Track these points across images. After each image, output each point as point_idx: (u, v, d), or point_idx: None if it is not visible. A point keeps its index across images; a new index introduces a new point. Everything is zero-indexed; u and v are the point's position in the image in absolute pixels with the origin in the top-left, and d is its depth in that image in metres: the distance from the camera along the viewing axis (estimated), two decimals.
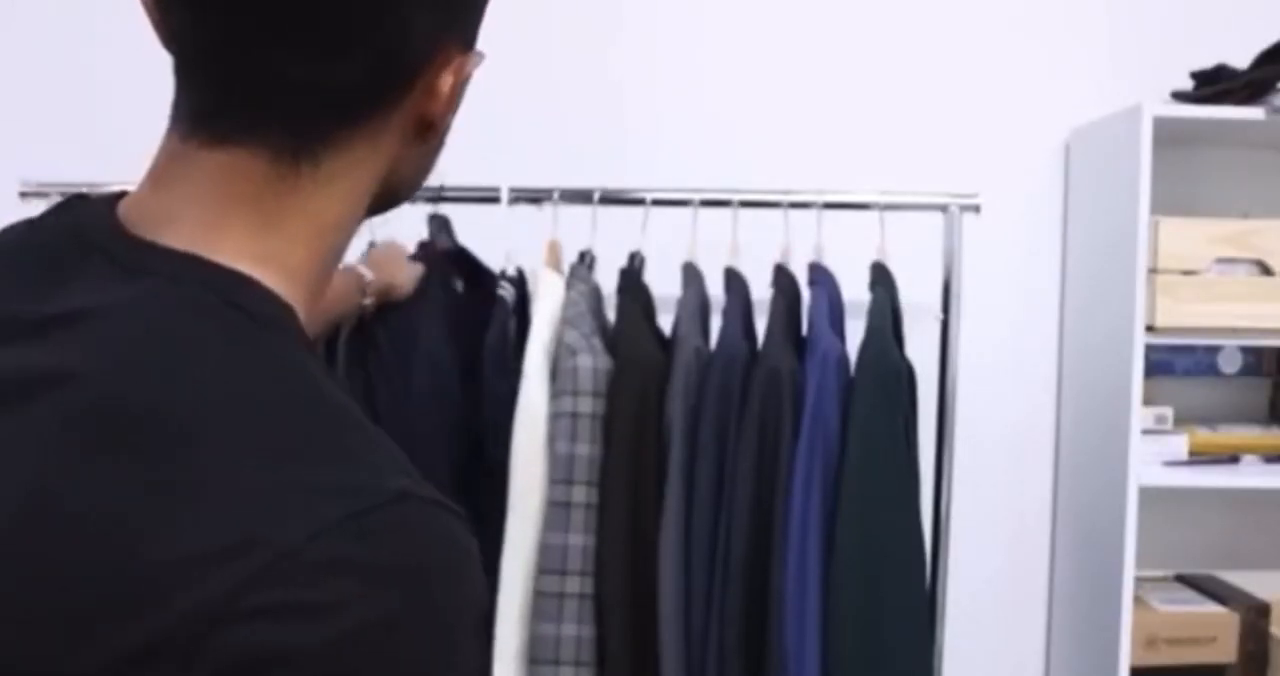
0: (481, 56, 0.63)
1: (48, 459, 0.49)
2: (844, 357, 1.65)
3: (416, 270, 1.67)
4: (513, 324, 1.71)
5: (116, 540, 0.46)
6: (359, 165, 0.60)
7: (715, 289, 1.75)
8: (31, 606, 0.46)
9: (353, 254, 1.32)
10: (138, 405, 0.49)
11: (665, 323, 1.79)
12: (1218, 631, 1.96)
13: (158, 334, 0.52)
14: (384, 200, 0.65)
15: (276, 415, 0.51)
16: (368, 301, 1.58)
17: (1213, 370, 2.15)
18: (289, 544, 0.46)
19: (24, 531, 0.47)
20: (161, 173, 0.59)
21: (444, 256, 1.74)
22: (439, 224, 1.79)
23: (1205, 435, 2.03)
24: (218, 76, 0.56)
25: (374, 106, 0.58)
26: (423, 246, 1.74)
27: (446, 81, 0.60)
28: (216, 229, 0.57)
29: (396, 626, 0.47)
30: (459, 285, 1.76)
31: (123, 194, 0.60)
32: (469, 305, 1.73)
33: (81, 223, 0.58)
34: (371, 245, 1.68)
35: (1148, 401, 1.90)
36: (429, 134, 0.62)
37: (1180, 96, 1.95)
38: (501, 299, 1.71)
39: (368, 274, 1.57)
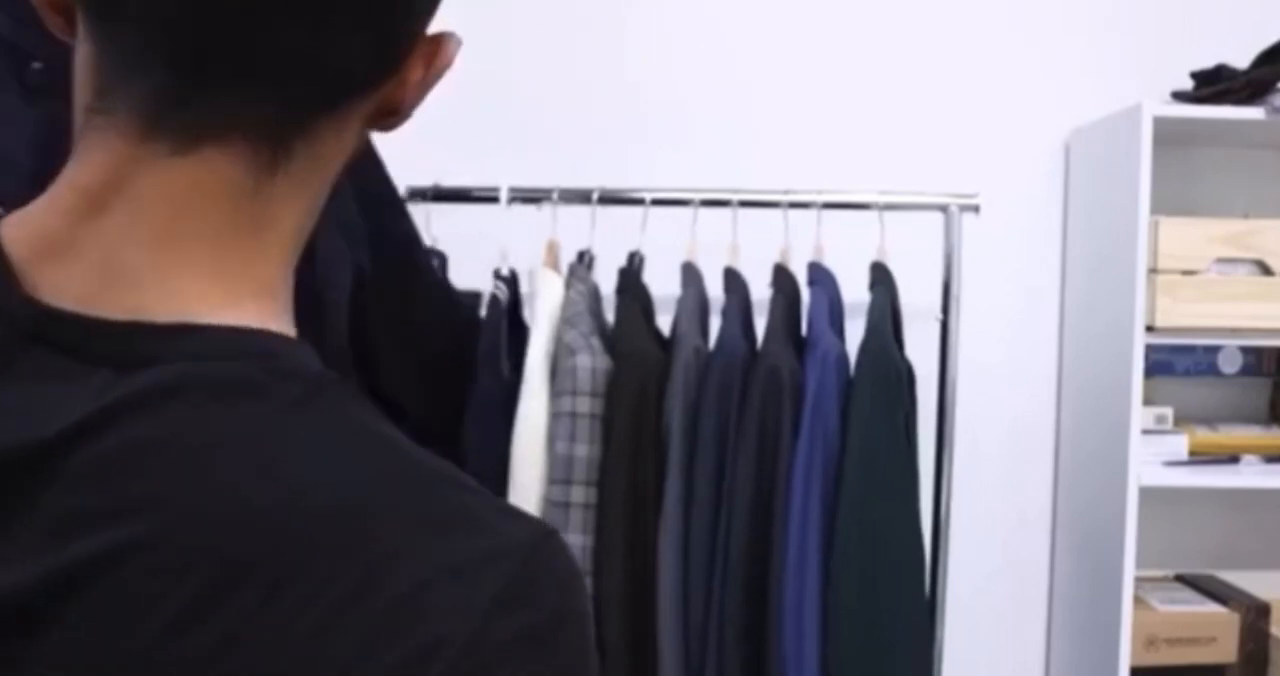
0: (459, 42, 0.57)
1: (177, 626, 0.41)
2: (843, 357, 1.65)
3: None
4: (504, 324, 1.71)
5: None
6: (326, 161, 0.52)
7: (715, 289, 1.75)
8: None
9: None
10: (243, 536, 0.43)
11: (665, 323, 1.79)
12: (1217, 631, 1.95)
13: (207, 440, 0.44)
14: None
15: (387, 500, 0.46)
16: None
17: (1213, 370, 2.15)
18: (468, 635, 0.44)
19: None
20: (102, 191, 0.47)
21: None
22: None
23: (1205, 435, 2.03)
24: (191, 50, 0.46)
25: (356, 91, 0.51)
26: None
27: (419, 68, 0.54)
28: (189, 271, 0.47)
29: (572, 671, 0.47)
30: None
31: None
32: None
33: None
34: None
35: (1148, 401, 1.90)
36: (390, 121, 0.55)
37: (1180, 96, 1.95)
38: (495, 299, 1.71)
39: None
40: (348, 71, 0.50)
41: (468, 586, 0.44)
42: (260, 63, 0.47)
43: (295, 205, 0.51)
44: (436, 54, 0.55)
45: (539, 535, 0.48)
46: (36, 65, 1.16)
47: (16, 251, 0.47)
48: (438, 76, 0.55)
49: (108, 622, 0.41)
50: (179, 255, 0.47)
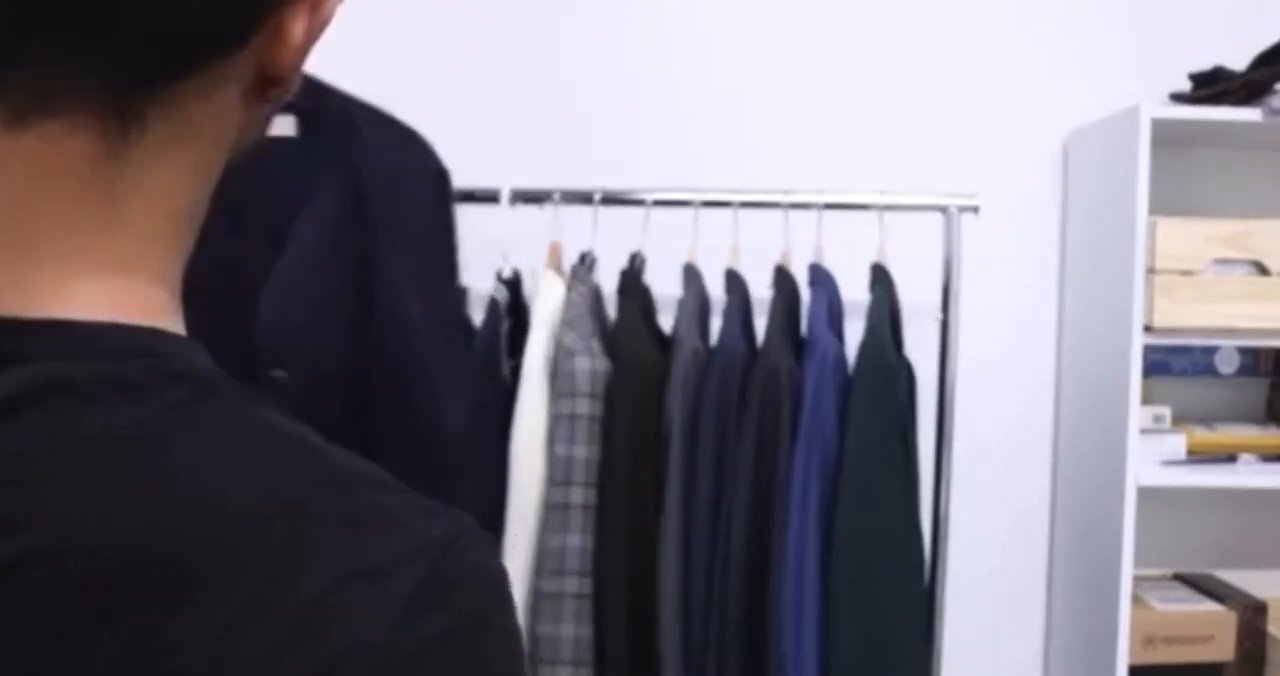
0: None
1: (64, 647, 0.40)
2: (842, 357, 1.66)
3: None
4: (505, 326, 1.72)
5: None
6: (196, 130, 0.47)
7: (715, 289, 1.76)
8: None
9: None
10: (132, 548, 0.41)
11: (665, 323, 1.79)
12: (1215, 630, 1.96)
13: (86, 448, 0.42)
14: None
15: (290, 503, 0.44)
16: None
17: (1210, 370, 2.15)
18: (380, 639, 0.42)
19: None
20: None
21: None
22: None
23: (1203, 435, 2.03)
24: (16, 14, 0.43)
25: (211, 51, 0.46)
26: None
27: (299, 24, 0.48)
28: (38, 257, 0.44)
29: (491, 670, 0.45)
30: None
31: None
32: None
33: None
34: None
35: (1146, 401, 1.91)
36: (274, 90, 0.50)
37: (1178, 98, 1.96)
38: (494, 301, 1.71)
39: None
40: (191, 25, 0.45)
41: (380, 588, 0.43)
42: (82, 27, 0.43)
43: (164, 181, 0.47)
44: (316, 9, 0.49)
45: (454, 532, 0.46)
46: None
47: None
48: (317, 35, 0.50)
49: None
50: (30, 238, 0.44)
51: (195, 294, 1.23)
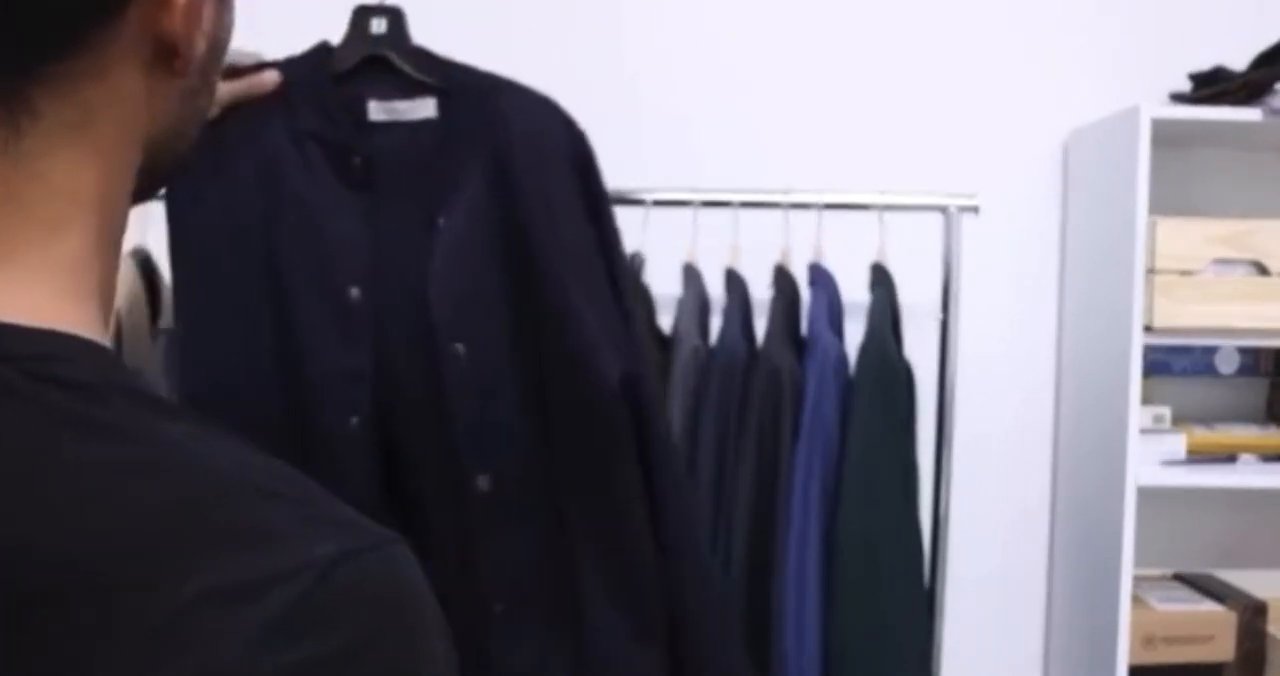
0: None
1: None
2: (843, 357, 1.66)
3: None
4: None
5: None
6: (94, 112, 0.45)
7: (715, 290, 1.76)
8: None
9: None
10: (25, 567, 0.39)
11: (665, 323, 1.79)
12: (1215, 630, 1.96)
13: None
14: (153, 165, 0.51)
15: (156, 517, 0.41)
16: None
17: (1210, 370, 2.15)
18: (234, 667, 0.39)
19: None
20: None
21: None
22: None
23: (1203, 435, 2.04)
24: None
25: (83, 24, 0.44)
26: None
27: None
28: None
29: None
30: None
31: None
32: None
33: None
34: None
35: (1145, 401, 1.91)
36: (178, 63, 0.47)
37: (1178, 98, 1.96)
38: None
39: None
40: (52, 4, 0.43)
41: (241, 609, 0.39)
42: None
43: (65, 169, 0.45)
44: None
45: (345, 550, 0.42)
46: (356, 160, 1.23)
47: None
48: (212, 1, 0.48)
49: None
50: None
51: (374, 285, 1.24)
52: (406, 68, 1.27)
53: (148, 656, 0.38)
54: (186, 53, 0.47)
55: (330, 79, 1.26)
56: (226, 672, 0.39)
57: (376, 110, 1.26)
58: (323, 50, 1.28)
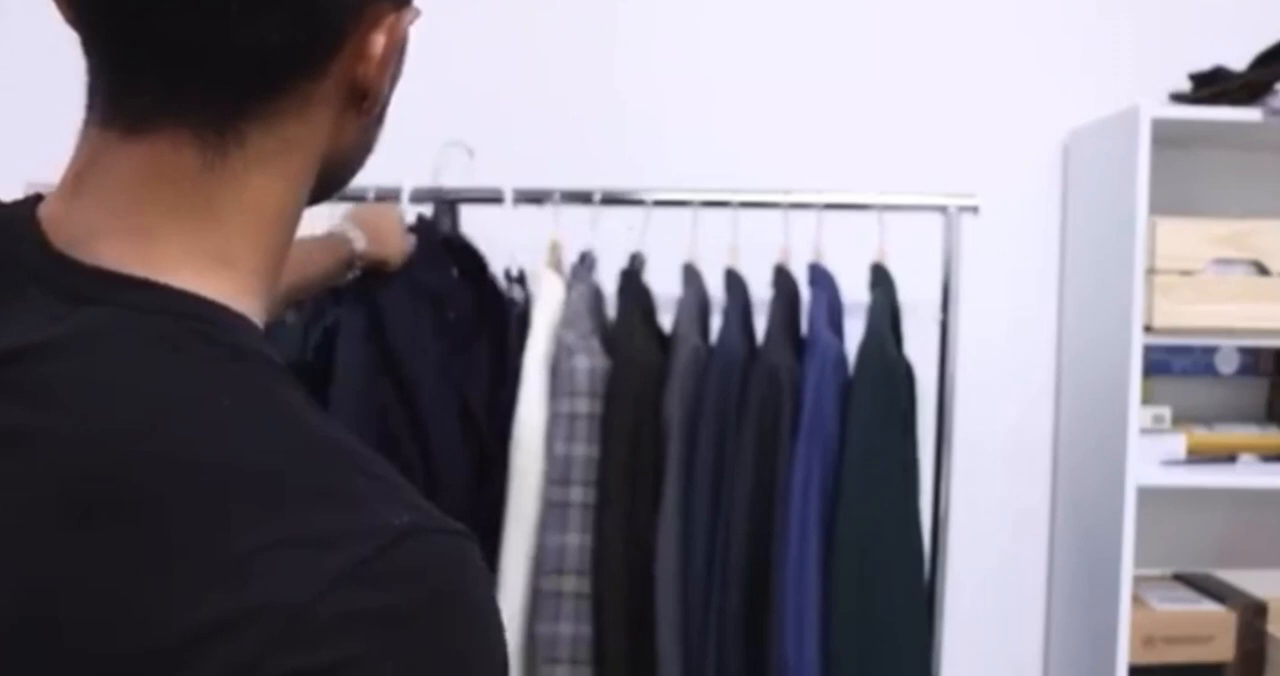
0: (417, 13, 0.58)
1: (21, 538, 0.45)
2: (843, 357, 1.66)
3: (408, 244, 1.53)
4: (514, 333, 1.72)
5: (115, 623, 0.43)
6: (292, 143, 0.54)
7: (716, 289, 1.76)
8: None
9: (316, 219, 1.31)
10: (110, 468, 0.45)
11: (666, 323, 1.79)
12: (1215, 630, 1.96)
13: (116, 379, 0.48)
14: (325, 183, 0.59)
15: (261, 464, 0.47)
16: (353, 275, 1.43)
17: (1210, 370, 2.15)
18: (297, 605, 0.43)
19: (22, 620, 0.44)
20: (82, 172, 0.53)
21: (445, 241, 1.69)
22: (445, 207, 1.74)
23: (1203, 435, 2.04)
24: (125, 47, 0.51)
25: (298, 73, 0.53)
26: (422, 222, 1.67)
27: (378, 42, 0.54)
28: (151, 238, 0.52)
29: (413, 671, 0.45)
30: (454, 273, 1.69)
31: (39, 197, 0.55)
32: (458, 298, 1.66)
33: (7, 244, 0.53)
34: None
35: (1145, 401, 1.91)
36: (366, 103, 0.56)
37: (1178, 98, 1.96)
38: (511, 301, 1.71)
39: (359, 242, 1.40)
40: (267, 56, 0.51)
41: (315, 558, 0.44)
42: (174, 54, 0.50)
43: (261, 185, 0.54)
44: (393, 28, 0.55)
45: (419, 525, 0.47)
46: (451, 315, 1.29)
47: (43, 219, 0.54)
48: (398, 50, 0.56)
49: None
50: (133, 222, 0.52)
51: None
52: None
53: (220, 582, 0.43)
54: (375, 96, 0.56)
55: None
56: (290, 610, 0.43)
57: None
58: None
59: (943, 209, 1.81)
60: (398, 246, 1.50)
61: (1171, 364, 2.13)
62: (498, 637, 0.49)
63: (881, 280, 1.74)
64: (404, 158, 1.85)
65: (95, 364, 0.48)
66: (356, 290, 1.51)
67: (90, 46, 0.53)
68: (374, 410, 1.51)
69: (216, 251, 0.53)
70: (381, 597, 0.45)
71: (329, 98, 0.55)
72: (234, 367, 0.50)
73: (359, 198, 1.70)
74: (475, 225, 1.80)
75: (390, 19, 0.55)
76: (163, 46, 0.50)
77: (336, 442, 0.50)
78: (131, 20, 0.50)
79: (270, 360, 0.52)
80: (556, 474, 1.63)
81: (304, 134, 0.55)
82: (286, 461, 0.47)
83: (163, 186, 0.52)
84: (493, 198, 1.76)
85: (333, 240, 1.39)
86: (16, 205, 0.55)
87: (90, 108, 0.54)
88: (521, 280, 1.75)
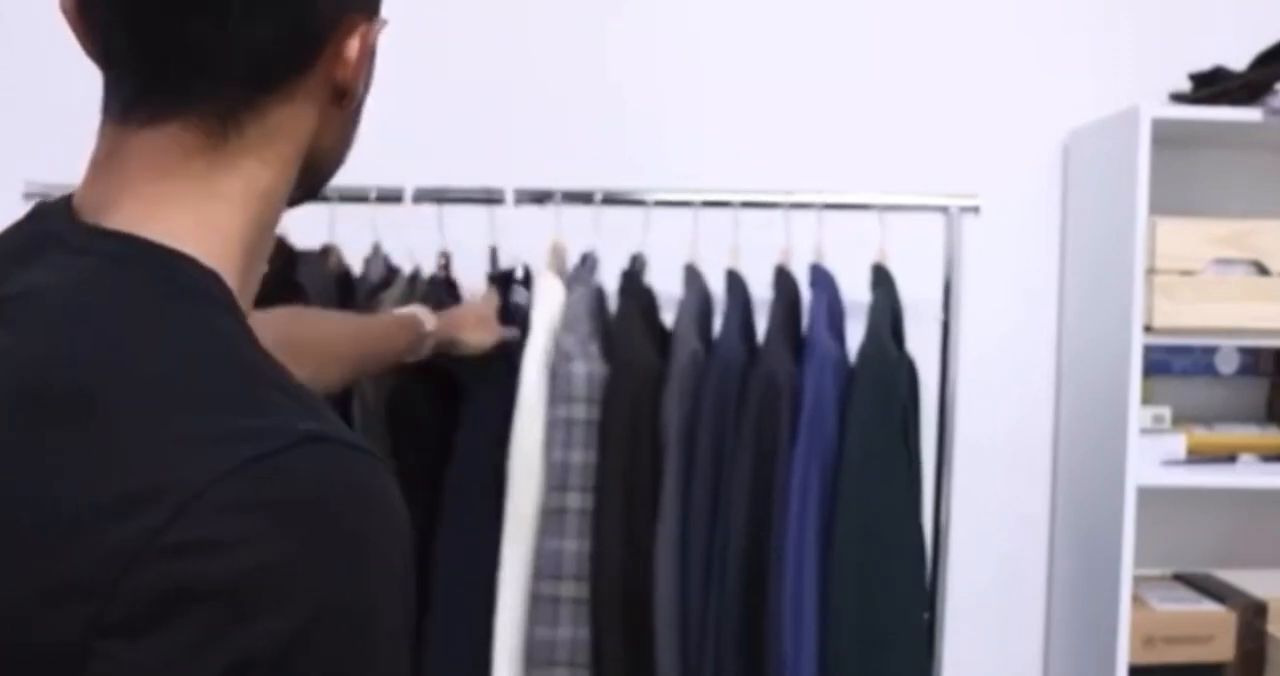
0: (384, 23, 0.68)
1: None
2: (842, 360, 1.66)
3: (497, 334, 1.62)
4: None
5: (39, 495, 0.51)
6: (281, 131, 0.64)
7: (717, 289, 1.76)
8: None
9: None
10: (62, 379, 0.54)
11: (667, 323, 1.79)
12: (1215, 630, 1.96)
13: (82, 310, 0.57)
14: (312, 172, 0.69)
15: (190, 375, 0.55)
16: (425, 352, 1.50)
17: (1210, 370, 2.15)
18: (194, 487, 0.50)
19: None
20: (103, 160, 0.63)
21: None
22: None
23: (1203, 435, 2.04)
24: (139, 56, 0.61)
25: (288, 71, 0.63)
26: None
27: (353, 47, 0.65)
28: (154, 204, 0.61)
29: (303, 558, 0.50)
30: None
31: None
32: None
33: (46, 216, 0.64)
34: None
35: (1145, 401, 1.91)
36: (344, 101, 0.66)
37: (1178, 98, 1.96)
38: (517, 306, 1.72)
39: (428, 323, 1.49)
40: (262, 57, 0.61)
41: (223, 449, 0.51)
42: (183, 61, 0.60)
43: (255, 165, 0.64)
44: (364, 36, 0.65)
45: (328, 435, 0.54)
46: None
47: (73, 198, 0.64)
48: (369, 55, 0.67)
49: None
50: (142, 193, 0.61)
51: None
52: None
53: (140, 465, 0.51)
54: (352, 93, 0.67)
55: None
56: (191, 488, 0.49)
57: None
58: None
59: (944, 209, 1.81)
60: (475, 331, 1.59)
61: (1171, 364, 2.13)
62: (391, 543, 0.54)
63: (883, 280, 1.74)
64: (405, 158, 1.87)
65: (68, 298, 0.57)
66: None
67: (107, 57, 0.62)
68: None
69: (208, 218, 0.62)
70: (276, 488, 0.51)
71: (313, 94, 0.65)
72: (183, 302, 0.58)
73: (360, 197, 1.70)
74: (475, 225, 1.80)
75: (363, 28, 0.65)
76: (176, 51, 0.60)
77: (261, 366, 0.58)
78: (149, 32, 0.60)
79: (219, 300, 0.61)
80: (554, 480, 1.63)
81: (291, 124, 0.64)
82: (212, 375, 0.55)
83: (171, 166, 0.61)
84: (493, 198, 1.76)
85: (404, 318, 1.49)
86: (63, 196, 0.65)
87: (106, 108, 0.63)
88: (527, 281, 1.75)
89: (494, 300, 1.68)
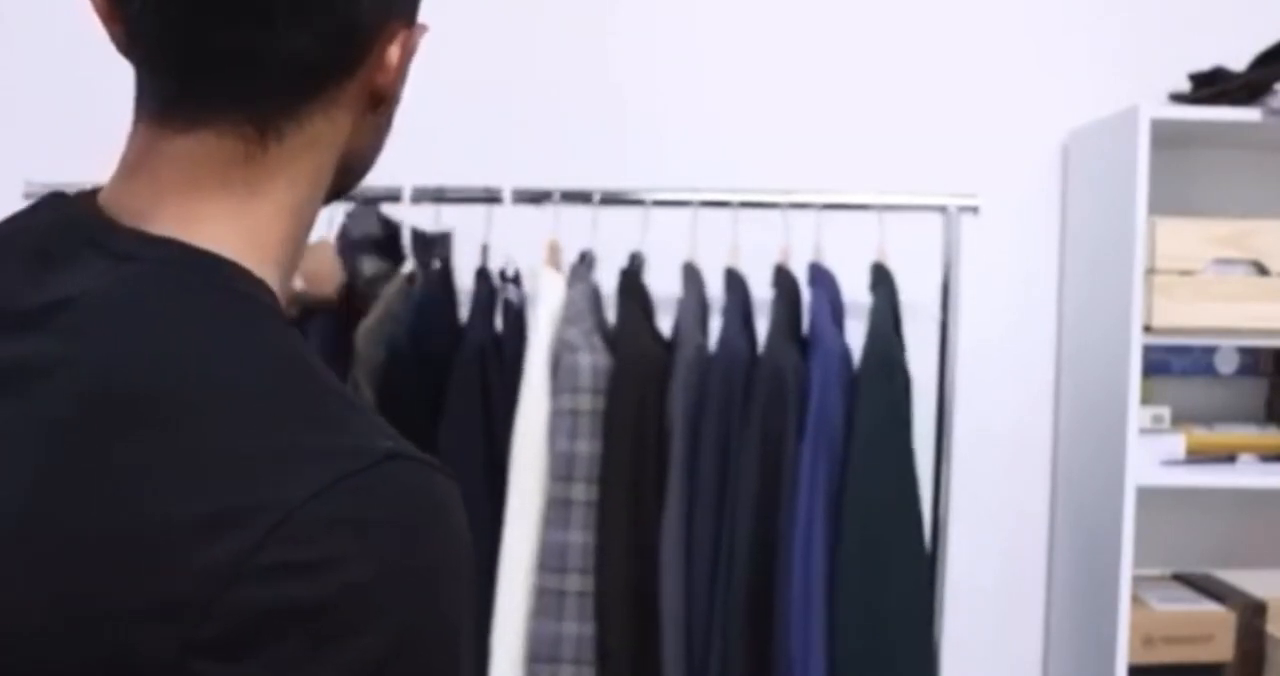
0: (424, 29, 0.67)
1: (52, 443, 0.52)
2: (847, 355, 1.66)
3: (340, 277, 1.68)
4: (498, 323, 1.72)
5: (130, 510, 0.50)
6: (320, 138, 0.63)
7: (715, 290, 1.76)
8: (55, 577, 0.49)
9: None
10: (130, 386, 0.53)
11: (665, 324, 1.80)
12: (1215, 630, 1.96)
13: (144, 317, 0.56)
14: (344, 176, 0.68)
15: (265, 387, 0.54)
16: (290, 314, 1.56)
17: (1210, 370, 2.15)
18: (287, 506, 0.50)
19: (40, 511, 0.50)
20: (136, 163, 0.62)
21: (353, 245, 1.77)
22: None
23: (1202, 435, 2.04)
24: (180, 59, 0.59)
25: (330, 79, 0.61)
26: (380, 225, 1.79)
27: (394, 53, 0.64)
28: (195, 212, 0.60)
29: (391, 576, 0.51)
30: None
31: (98, 189, 0.63)
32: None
33: (70, 215, 0.61)
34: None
35: (1145, 401, 1.91)
36: (381, 106, 0.66)
37: (1178, 98, 1.96)
38: (508, 303, 1.72)
39: (296, 284, 1.54)
40: (306, 64, 0.60)
41: (312, 467, 0.51)
42: (225, 66, 0.59)
43: (292, 173, 0.62)
44: (405, 42, 0.64)
45: (405, 454, 0.54)
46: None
47: (100, 199, 0.62)
48: (410, 60, 0.66)
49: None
50: (181, 199, 0.60)
51: None
52: None
53: (229, 482, 0.50)
54: (390, 100, 0.66)
55: None
56: (285, 507, 0.49)
57: None
58: None
59: (943, 209, 1.81)
60: (332, 286, 1.65)
61: (1171, 364, 2.13)
62: (466, 558, 0.55)
63: (883, 280, 1.74)
64: (404, 157, 1.87)
65: (125, 306, 0.56)
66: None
67: (145, 58, 0.61)
68: None
69: (249, 229, 0.61)
70: (365, 507, 0.51)
71: (352, 102, 0.63)
72: (243, 311, 0.58)
73: (359, 196, 1.70)
74: (475, 225, 1.80)
75: (404, 34, 0.64)
76: (218, 56, 0.59)
77: (329, 382, 0.57)
78: (192, 36, 0.58)
79: (276, 312, 0.60)
80: (559, 471, 1.63)
81: (330, 132, 0.63)
82: (286, 388, 0.55)
83: (209, 173, 0.60)
84: (492, 198, 1.77)
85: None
86: (79, 194, 0.63)
87: (140, 108, 0.62)
88: (517, 279, 1.75)
89: (327, 246, 1.71)
